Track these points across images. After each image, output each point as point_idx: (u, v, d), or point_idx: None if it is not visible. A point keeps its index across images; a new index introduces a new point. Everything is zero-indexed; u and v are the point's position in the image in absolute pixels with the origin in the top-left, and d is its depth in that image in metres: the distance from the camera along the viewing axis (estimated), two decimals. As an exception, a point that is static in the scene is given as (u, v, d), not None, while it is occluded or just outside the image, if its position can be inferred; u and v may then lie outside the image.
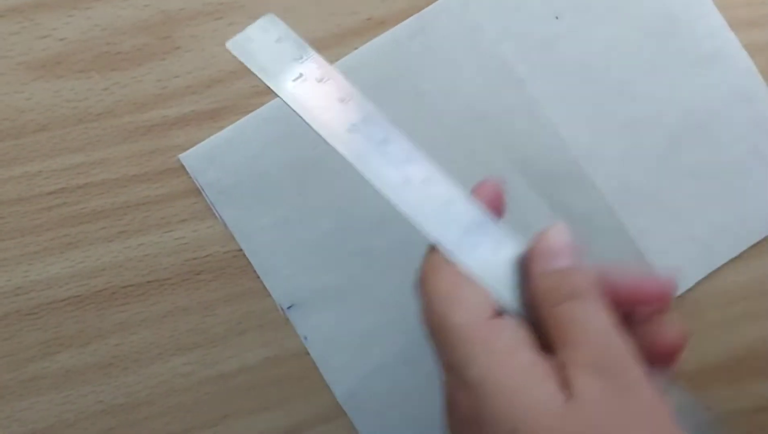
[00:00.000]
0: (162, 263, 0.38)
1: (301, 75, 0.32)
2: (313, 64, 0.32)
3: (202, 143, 0.37)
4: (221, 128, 0.38)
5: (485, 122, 0.38)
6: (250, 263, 0.38)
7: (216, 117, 0.38)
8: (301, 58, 0.32)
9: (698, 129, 0.38)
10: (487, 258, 0.27)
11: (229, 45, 0.32)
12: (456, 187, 0.27)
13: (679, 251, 0.39)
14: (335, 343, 0.38)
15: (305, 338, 0.38)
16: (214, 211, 0.37)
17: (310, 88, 0.30)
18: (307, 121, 0.30)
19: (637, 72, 0.38)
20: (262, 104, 0.38)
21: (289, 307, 0.38)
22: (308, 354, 0.38)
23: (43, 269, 0.37)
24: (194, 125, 0.38)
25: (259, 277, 0.38)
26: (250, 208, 0.37)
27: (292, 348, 0.39)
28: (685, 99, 0.38)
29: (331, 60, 0.38)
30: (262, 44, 0.32)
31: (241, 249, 0.38)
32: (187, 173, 0.38)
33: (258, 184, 0.37)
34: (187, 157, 0.37)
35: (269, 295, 0.38)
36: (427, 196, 0.27)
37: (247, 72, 0.38)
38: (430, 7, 0.39)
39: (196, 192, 0.38)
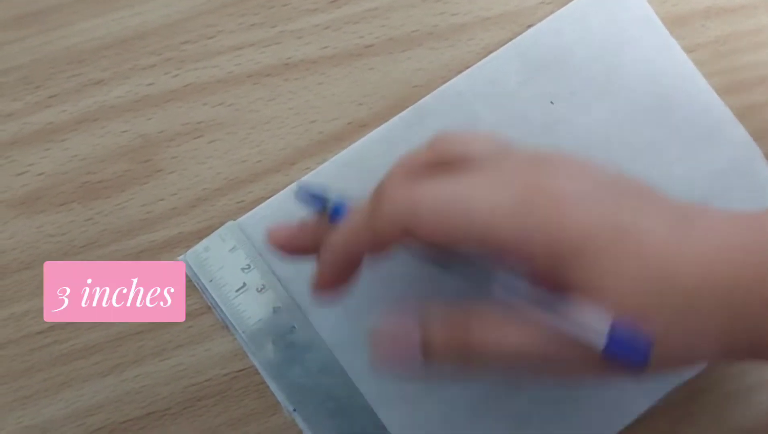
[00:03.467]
0: (161, 393, 0.37)
1: (244, 284, 0.36)
2: (257, 273, 0.36)
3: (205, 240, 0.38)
4: (211, 248, 0.37)
5: None
6: (251, 382, 0.37)
7: (204, 236, 0.37)
8: (249, 267, 0.36)
9: None
10: None
11: (188, 255, 0.37)
12: None
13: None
14: None
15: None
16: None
17: (251, 297, 0.36)
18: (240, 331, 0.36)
19: (635, 151, 0.38)
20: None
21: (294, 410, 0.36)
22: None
23: (36, 413, 0.36)
24: (182, 247, 0.37)
25: (261, 397, 0.37)
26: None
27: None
28: (685, 176, 0.38)
29: (320, 161, 0.38)
30: (217, 253, 0.37)
31: (241, 370, 0.37)
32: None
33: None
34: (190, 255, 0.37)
35: (274, 414, 0.37)
36: None
37: (232, 188, 0.38)
38: (427, 97, 0.39)
39: (191, 315, 0.37)
